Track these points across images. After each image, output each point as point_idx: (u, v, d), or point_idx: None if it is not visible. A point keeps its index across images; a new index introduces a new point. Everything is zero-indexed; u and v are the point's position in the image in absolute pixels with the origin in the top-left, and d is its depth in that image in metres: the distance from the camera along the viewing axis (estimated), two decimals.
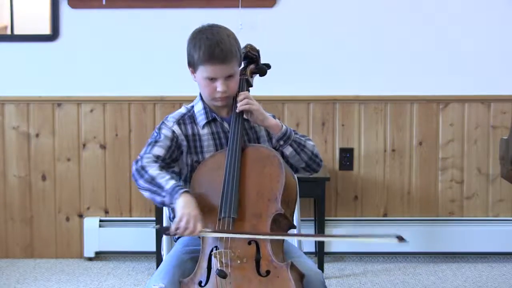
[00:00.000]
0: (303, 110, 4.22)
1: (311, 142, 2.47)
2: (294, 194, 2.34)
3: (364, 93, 4.20)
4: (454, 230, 4.20)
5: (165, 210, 2.56)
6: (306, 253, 2.52)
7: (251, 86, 2.54)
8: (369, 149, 4.23)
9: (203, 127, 2.44)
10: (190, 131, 2.43)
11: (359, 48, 4.19)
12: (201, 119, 2.44)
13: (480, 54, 4.19)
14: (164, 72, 4.18)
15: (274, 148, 2.46)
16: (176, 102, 4.15)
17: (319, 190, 3.93)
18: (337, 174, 4.24)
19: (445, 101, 4.22)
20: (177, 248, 2.43)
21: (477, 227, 4.21)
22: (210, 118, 2.44)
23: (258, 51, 2.55)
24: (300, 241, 2.59)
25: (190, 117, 2.46)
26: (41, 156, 4.24)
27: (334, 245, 4.21)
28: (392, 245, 4.28)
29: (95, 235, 4.21)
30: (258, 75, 2.58)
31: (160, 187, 2.24)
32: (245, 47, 2.52)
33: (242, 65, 2.50)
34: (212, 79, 2.36)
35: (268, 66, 2.58)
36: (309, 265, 2.29)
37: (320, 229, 3.96)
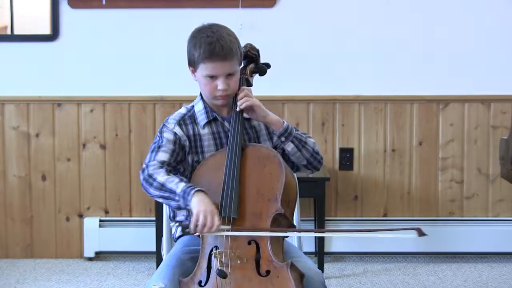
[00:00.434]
0: (303, 110, 4.22)
1: (311, 140, 2.47)
2: (294, 194, 2.34)
3: (364, 93, 4.20)
4: (454, 230, 4.21)
5: (165, 210, 2.55)
6: (306, 253, 2.52)
7: (251, 85, 2.54)
8: (369, 149, 4.23)
9: (204, 126, 2.44)
10: (191, 131, 2.43)
11: (359, 48, 4.19)
12: (201, 118, 2.44)
13: (480, 54, 4.19)
14: (164, 72, 4.18)
15: (276, 146, 2.47)
16: (176, 102, 4.15)
17: (319, 190, 3.93)
18: (337, 174, 4.24)
19: (445, 101, 4.22)
20: (177, 248, 2.43)
21: (477, 227, 4.21)
22: (211, 118, 2.44)
23: (258, 51, 2.55)
24: (300, 241, 2.59)
25: (190, 117, 2.46)
26: (41, 156, 4.24)
27: (334, 245, 4.21)
28: (392, 245, 4.29)
29: (95, 235, 4.21)
30: (258, 74, 2.58)
31: (172, 192, 2.25)
32: (245, 46, 2.52)
33: (242, 65, 2.50)
34: (213, 77, 2.36)
35: (268, 66, 2.58)
36: (309, 265, 2.29)
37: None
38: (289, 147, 2.43)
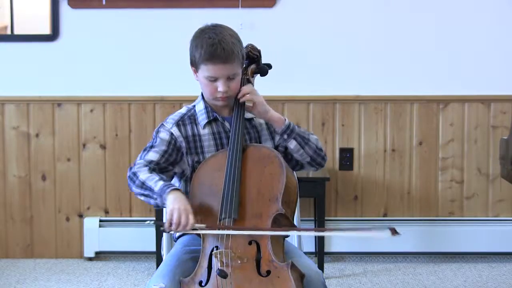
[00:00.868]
0: (303, 110, 4.22)
1: (314, 136, 2.47)
2: (295, 194, 2.34)
3: (364, 93, 4.20)
4: (454, 230, 4.21)
5: (165, 210, 2.55)
6: (306, 253, 2.52)
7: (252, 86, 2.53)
8: (369, 149, 4.23)
9: (204, 127, 2.44)
10: (190, 132, 2.43)
11: (359, 48, 4.19)
12: (202, 118, 2.44)
13: (480, 54, 4.19)
14: (164, 72, 4.18)
15: (278, 145, 2.47)
16: (176, 102, 4.15)
17: (319, 190, 3.93)
18: (337, 174, 4.24)
19: (445, 101, 4.22)
20: (177, 248, 2.43)
21: (477, 227, 4.21)
22: (211, 118, 2.44)
23: (259, 51, 2.55)
24: (300, 241, 2.60)
25: (190, 117, 2.45)
26: (41, 156, 4.24)
27: (334, 245, 4.21)
28: (392, 245, 4.30)
29: (95, 235, 4.21)
30: (259, 75, 2.58)
31: (151, 189, 2.26)
32: (246, 47, 2.52)
33: (244, 65, 2.50)
34: (213, 79, 2.36)
35: (269, 66, 2.58)
36: (309, 265, 2.29)
37: None
38: (292, 144, 2.43)
